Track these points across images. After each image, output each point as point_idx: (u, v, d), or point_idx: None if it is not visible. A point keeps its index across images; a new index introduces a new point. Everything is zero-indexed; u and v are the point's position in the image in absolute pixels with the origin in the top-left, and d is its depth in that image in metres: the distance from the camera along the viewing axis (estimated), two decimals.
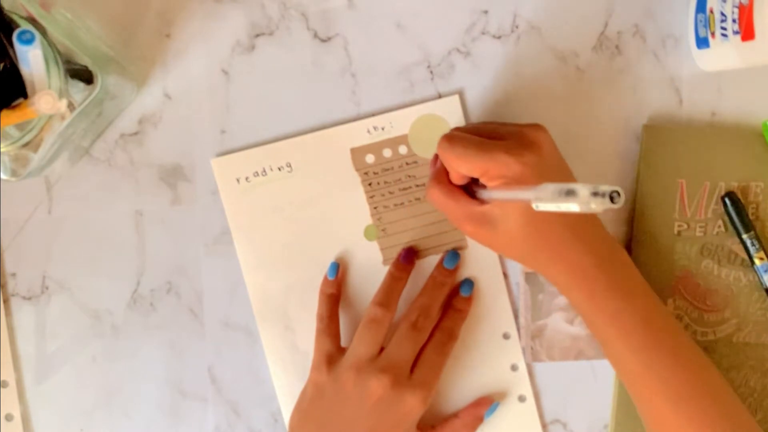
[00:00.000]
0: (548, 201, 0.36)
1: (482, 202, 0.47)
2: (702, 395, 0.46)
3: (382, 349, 0.51)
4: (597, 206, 0.34)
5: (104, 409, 0.56)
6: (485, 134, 0.48)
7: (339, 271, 0.55)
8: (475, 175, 0.47)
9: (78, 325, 0.56)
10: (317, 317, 0.54)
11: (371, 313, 0.52)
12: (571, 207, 0.35)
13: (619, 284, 0.47)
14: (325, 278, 0.55)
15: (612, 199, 0.34)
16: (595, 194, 0.34)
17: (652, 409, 0.47)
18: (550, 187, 0.36)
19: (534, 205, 0.37)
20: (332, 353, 0.52)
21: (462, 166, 0.47)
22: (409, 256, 0.55)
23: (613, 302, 0.46)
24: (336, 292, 0.55)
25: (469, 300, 0.55)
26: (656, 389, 0.46)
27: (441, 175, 0.50)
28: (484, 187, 0.47)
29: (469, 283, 0.55)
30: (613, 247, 0.48)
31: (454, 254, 0.55)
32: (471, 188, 0.49)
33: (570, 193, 0.35)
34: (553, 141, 0.48)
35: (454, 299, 0.54)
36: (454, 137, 0.47)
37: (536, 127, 0.48)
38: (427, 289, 0.54)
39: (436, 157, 0.52)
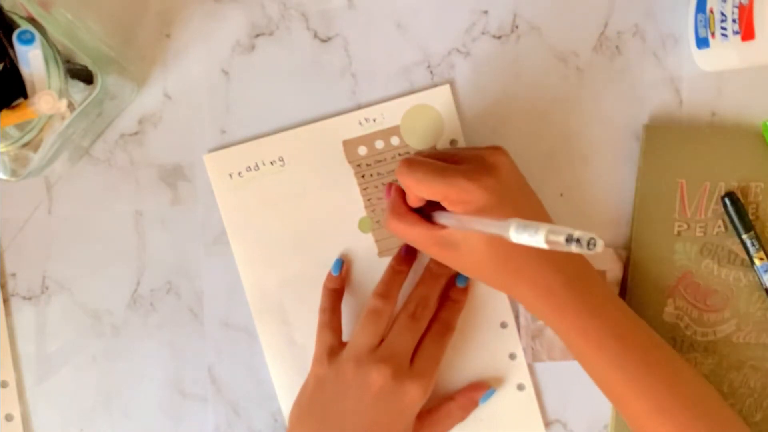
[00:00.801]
0: (519, 240, 0.36)
1: (443, 225, 0.48)
2: (680, 404, 0.46)
3: (382, 341, 0.51)
4: (574, 249, 0.34)
5: (104, 409, 0.56)
6: (445, 159, 0.48)
7: (343, 268, 0.55)
8: (436, 200, 0.47)
9: (78, 325, 0.56)
10: (320, 311, 0.54)
11: (372, 304, 0.52)
12: (541, 246, 0.35)
13: (588, 300, 0.47)
14: (329, 274, 0.55)
15: (588, 246, 0.34)
16: (569, 240, 0.34)
17: (635, 421, 0.47)
18: (513, 225, 0.36)
19: (510, 238, 0.37)
20: (334, 346, 0.52)
21: (422, 190, 0.47)
22: (411, 249, 0.55)
23: (584, 320, 0.47)
24: (339, 288, 0.55)
25: (465, 290, 0.55)
26: (635, 403, 0.47)
27: (397, 205, 0.51)
28: (443, 210, 0.48)
29: None
30: (580, 263, 0.48)
31: None
32: (427, 210, 0.50)
33: (542, 236, 0.34)
34: (513, 162, 0.49)
35: (450, 290, 0.55)
36: (414, 162, 0.48)
37: (495, 149, 0.49)
38: (423, 280, 0.54)
39: (389, 186, 0.53)
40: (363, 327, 0.51)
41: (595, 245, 0.34)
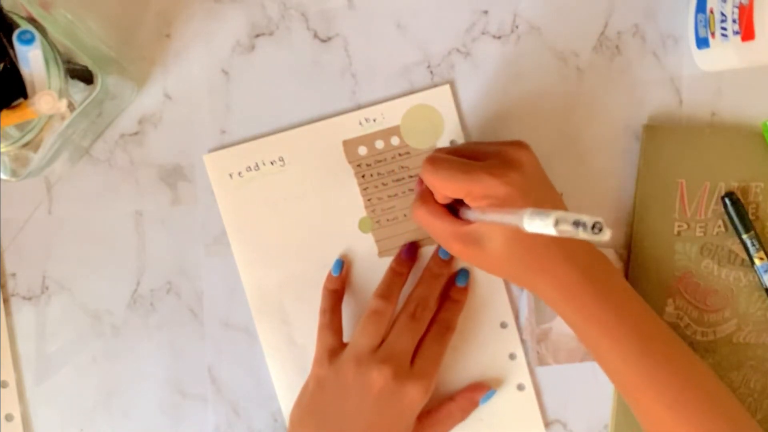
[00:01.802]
0: (531, 228, 0.36)
1: (468, 221, 0.48)
2: (698, 400, 0.46)
3: (383, 342, 0.51)
4: (582, 235, 0.34)
5: (104, 409, 0.56)
6: (468, 155, 0.48)
7: (343, 268, 0.55)
8: (460, 197, 0.47)
9: (78, 325, 0.56)
10: (320, 312, 0.54)
11: (373, 305, 0.52)
12: (551, 232, 0.35)
13: (607, 295, 0.47)
14: (329, 274, 0.55)
15: (593, 230, 0.34)
16: (576, 224, 0.34)
17: (650, 417, 0.47)
18: (527, 212, 0.36)
19: (524, 227, 0.37)
20: (334, 347, 0.52)
21: (446, 188, 0.47)
22: (411, 251, 0.55)
23: (603, 313, 0.47)
24: (339, 288, 0.55)
25: (464, 290, 0.55)
26: (652, 397, 0.46)
27: (426, 195, 0.50)
28: (468, 206, 0.48)
29: (464, 273, 0.55)
30: (599, 259, 0.48)
31: None
32: (455, 207, 0.50)
33: (556, 222, 0.35)
34: (536, 157, 0.49)
35: (450, 290, 0.55)
36: (437, 159, 0.48)
37: (518, 144, 0.49)
38: (423, 280, 0.54)
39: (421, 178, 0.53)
40: (363, 328, 0.51)
41: (600, 230, 0.34)
